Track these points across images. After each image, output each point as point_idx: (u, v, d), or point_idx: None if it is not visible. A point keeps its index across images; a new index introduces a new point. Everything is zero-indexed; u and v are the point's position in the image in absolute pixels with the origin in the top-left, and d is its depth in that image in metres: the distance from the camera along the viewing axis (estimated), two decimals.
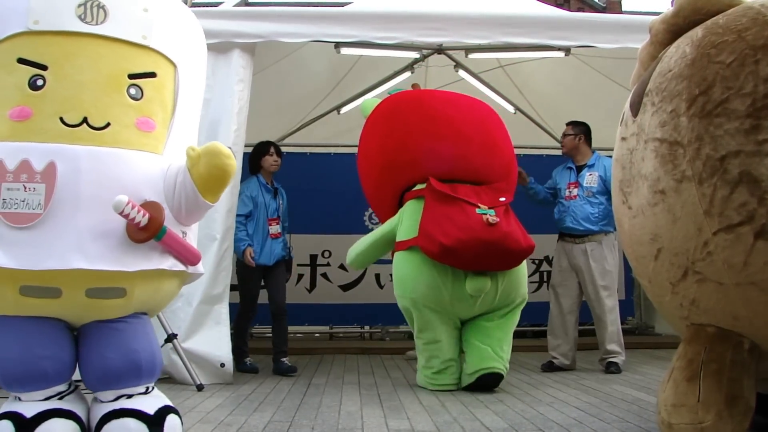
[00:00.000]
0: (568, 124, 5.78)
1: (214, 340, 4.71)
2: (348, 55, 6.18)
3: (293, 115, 7.59)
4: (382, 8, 5.42)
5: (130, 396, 2.52)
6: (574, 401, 4.01)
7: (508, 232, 4.17)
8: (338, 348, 7.03)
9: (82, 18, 2.52)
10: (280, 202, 5.53)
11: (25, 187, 2.33)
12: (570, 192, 5.53)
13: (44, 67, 2.47)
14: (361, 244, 4.96)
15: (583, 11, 15.20)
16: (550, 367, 5.42)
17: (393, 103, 5.03)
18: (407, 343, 7.65)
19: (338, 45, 5.59)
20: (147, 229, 2.42)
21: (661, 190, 2.56)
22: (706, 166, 2.37)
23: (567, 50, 5.85)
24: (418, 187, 4.67)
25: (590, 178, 5.47)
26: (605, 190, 5.32)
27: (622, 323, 8.28)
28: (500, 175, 4.73)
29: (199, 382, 4.44)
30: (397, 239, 4.61)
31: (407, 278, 4.45)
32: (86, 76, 2.51)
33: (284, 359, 5.23)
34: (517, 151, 5.19)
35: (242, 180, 5.16)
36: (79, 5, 2.53)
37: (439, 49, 6.47)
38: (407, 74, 7.03)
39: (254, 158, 5.53)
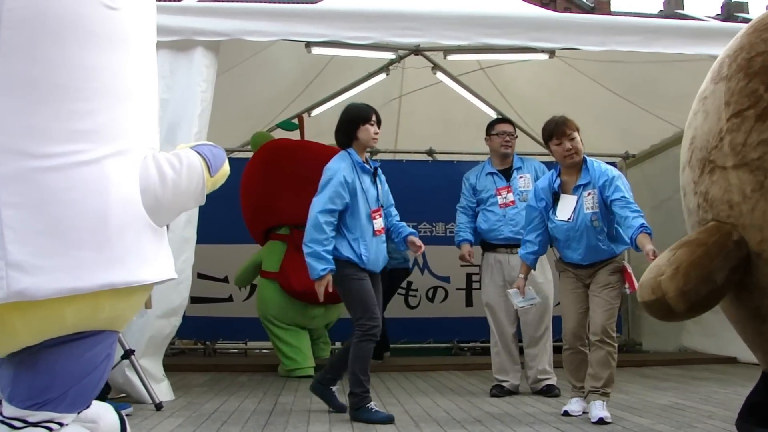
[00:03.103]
0: (504, 122, 5.58)
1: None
2: (319, 55, 6.21)
3: (260, 117, 7.60)
4: (355, 6, 5.43)
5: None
6: (554, 421, 4.04)
7: None
8: None
9: None
10: (379, 186, 4.41)
11: None
12: (504, 198, 5.27)
13: None
14: (241, 266, 6.64)
15: (570, 11, 15.42)
16: (501, 391, 5.14)
17: (270, 150, 6.40)
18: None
19: (309, 44, 5.61)
20: None
21: (704, 97, 3.18)
22: (738, 66, 2.96)
23: (551, 52, 5.93)
24: (282, 231, 6.35)
25: (522, 182, 5.29)
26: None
27: None
28: None
29: (158, 401, 4.43)
30: (263, 268, 6.34)
31: (267, 300, 6.26)
32: None
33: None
34: None
35: None
36: None
37: (416, 50, 6.53)
38: (382, 76, 7.08)
39: (349, 127, 4.32)
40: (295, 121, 6.77)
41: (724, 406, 4.40)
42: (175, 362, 6.35)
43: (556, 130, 4.25)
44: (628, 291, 4.24)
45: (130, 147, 2.51)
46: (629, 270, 4.21)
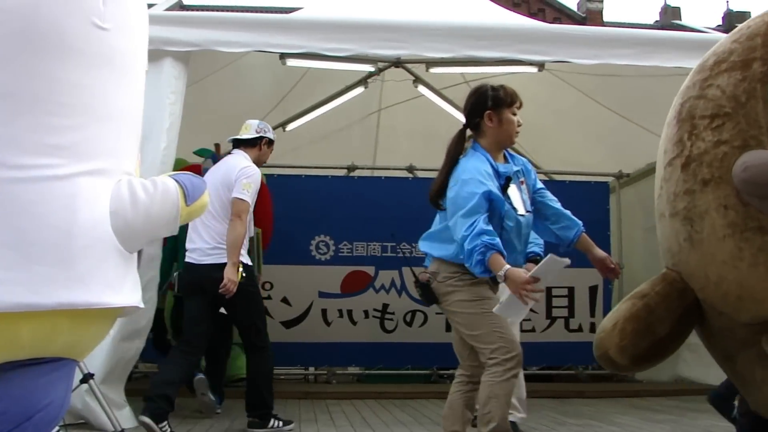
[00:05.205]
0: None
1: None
2: (295, 67, 6.20)
3: (232, 131, 7.51)
4: (333, 17, 5.43)
5: None
6: None
7: None
8: (278, 392, 6.90)
9: None
10: None
11: None
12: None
13: None
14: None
15: (561, 22, 15.56)
16: None
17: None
18: (356, 386, 7.65)
19: (284, 56, 5.60)
20: None
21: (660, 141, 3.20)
22: (674, 112, 3.03)
23: (541, 65, 5.95)
24: None
25: None
26: None
27: (599, 368, 8.49)
28: None
29: (119, 428, 4.37)
30: None
31: None
32: None
33: None
34: None
35: None
36: None
37: (397, 63, 6.53)
38: (361, 89, 7.07)
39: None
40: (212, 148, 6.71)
41: None
42: (139, 387, 6.26)
43: (516, 96, 3.52)
44: None
45: (105, 168, 2.53)
46: None
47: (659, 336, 2.94)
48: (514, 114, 3.48)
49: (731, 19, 22.17)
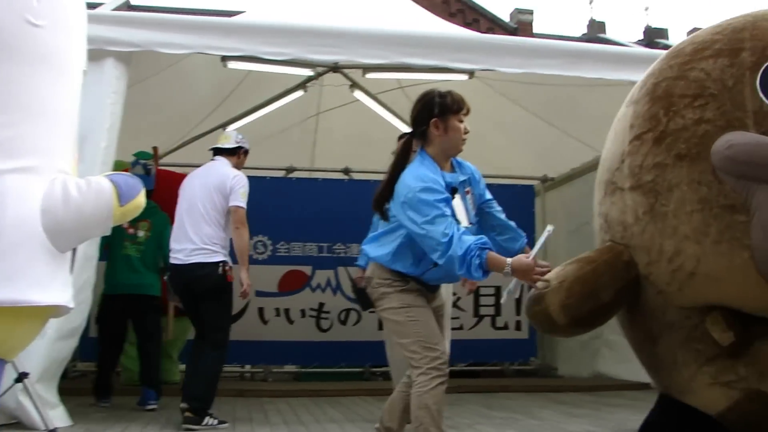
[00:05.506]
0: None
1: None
2: (236, 70, 6.21)
3: (173, 132, 7.54)
4: (273, 21, 5.48)
5: None
6: None
7: None
8: None
9: None
10: None
11: None
12: None
13: None
14: None
15: (494, 32, 15.80)
16: None
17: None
18: (291, 384, 7.70)
19: (225, 58, 5.61)
20: None
21: (617, 120, 3.35)
22: (646, 90, 3.14)
23: (471, 73, 6.07)
24: None
25: None
26: None
27: (524, 363, 8.69)
28: None
29: (51, 428, 4.31)
30: None
31: None
32: None
33: None
34: None
35: None
36: None
37: (335, 68, 6.60)
38: (300, 92, 7.13)
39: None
40: (150, 151, 6.71)
41: None
42: (75, 386, 6.18)
43: (463, 103, 3.36)
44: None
45: (37, 166, 2.49)
46: None
47: (602, 302, 3.03)
48: (461, 121, 3.31)
49: (651, 35, 22.87)
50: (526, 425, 5.06)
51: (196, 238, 4.84)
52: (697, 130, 2.87)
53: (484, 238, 3.04)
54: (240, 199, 4.90)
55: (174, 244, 4.96)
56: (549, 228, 3.14)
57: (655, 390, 3.59)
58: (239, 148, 5.22)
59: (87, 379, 7.32)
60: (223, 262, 4.85)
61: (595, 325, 3.17)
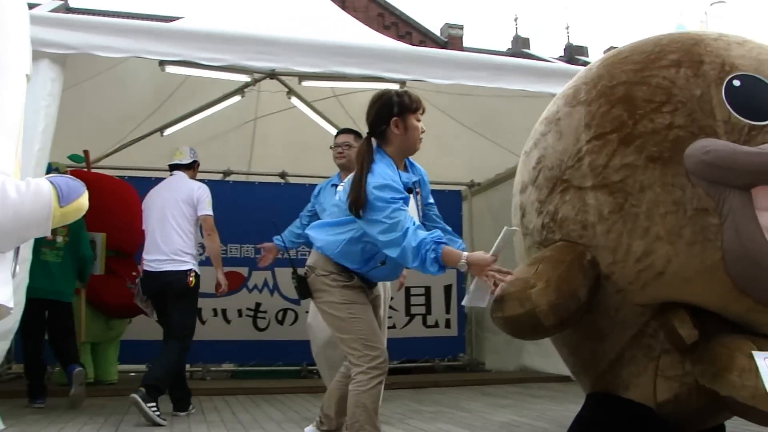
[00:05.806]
0: (341, 133, 5.19)
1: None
2: (174, 74, 6.20)
3: (110, 135, 7.47)
4: (210, 28, 5.49)
5: None
6: None
7: None
8: None
9: None
10: None
11: None
12: None
13: None
14: None
15: (425, 45, 16.03)
16: None
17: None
18: (230, 382, 7.70)
19: (163, 63, 5.60)
20: None
21: (557, 119, 3.30)
22: (599, 92, 3.13)
23: (402, 83, 6.18)
24: None
25: None
26: None
27: (453, 359, 8.88)
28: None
29: None
30: None
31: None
32: None
33: None
34: None
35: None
36: None
37: (272, 75, 6.64)
38: (237, 98, 7.15)
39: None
40: (82, 154, 6.66)
41: (557, 422, 4.73)
42: (9, 388, 6.07)
43: (420, 102, 3.32)
44: None
45: None
46: None
47: (581, 302, 2.95)
48: (419, 120, 3.26)
49: (571, 51, 23.58)
50: (455, 417, 5.17)
51: (167, 248, 5.26)
52: (669, 135, 2.89)
53: (439, 233, 3.01)
54: (207, 207, 5.38)
55: (146, 255, 5.36)
56: (506, 228, 3.02)
57: (576, 383, 3.68)
58: (194, 162, 5.66)
59: (21, 381, 7.18)
60: (191, 270, 5.28)
61: (572, 325, 3.04)
